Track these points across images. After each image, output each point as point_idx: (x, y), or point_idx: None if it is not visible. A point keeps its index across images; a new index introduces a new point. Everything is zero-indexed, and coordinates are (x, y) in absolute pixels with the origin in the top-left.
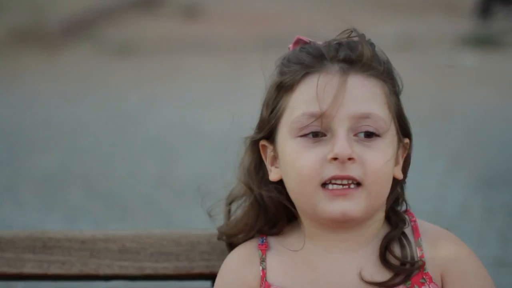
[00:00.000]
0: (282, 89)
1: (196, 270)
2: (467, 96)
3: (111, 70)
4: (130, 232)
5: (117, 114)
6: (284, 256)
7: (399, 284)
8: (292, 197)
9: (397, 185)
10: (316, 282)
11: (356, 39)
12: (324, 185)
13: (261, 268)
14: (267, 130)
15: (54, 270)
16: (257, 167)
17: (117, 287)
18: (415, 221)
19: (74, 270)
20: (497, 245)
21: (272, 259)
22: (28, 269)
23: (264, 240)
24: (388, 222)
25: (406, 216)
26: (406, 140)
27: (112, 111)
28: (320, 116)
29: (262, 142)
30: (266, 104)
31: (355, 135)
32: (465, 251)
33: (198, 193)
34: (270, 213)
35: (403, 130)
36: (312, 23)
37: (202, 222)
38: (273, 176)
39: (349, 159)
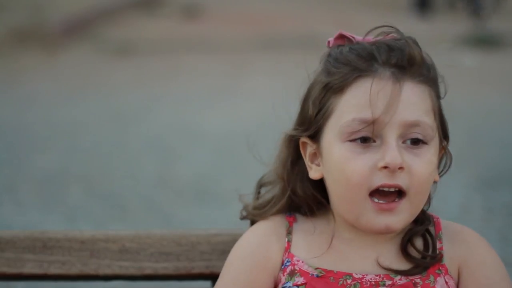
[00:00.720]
0: (330, 90)
1: (196, 270)
2: (467, 96)
3: (111, 70)
4: (130, 232)
5: (117, 114)
6: (309, 234)
7: (416, 274)
8: (335, 200)
9: (434, 186)
10: (337, 264)
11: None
12: (371, 193)
13: (286, 240)
14: (313, 130)
15: (54, 270)
16: (294, 162)
17: (117, 287)
18: (438, 218)
19: (74, 270)
20: (497, 245)
21: (298, 232)
22: (28, 269)
23: (292, 213)
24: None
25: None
26: (444, 143)
27: (112, 111)
28: (372, 123)
29: (303, 139)
30: (312, 103)
31: (403, 142)
32: (485, 245)
33: (198, 193)
34: (301, 203)
35: (444, 133)
36: (311, 23)
37: (202, 222)
38: (314, 174)
39: (399, 168)
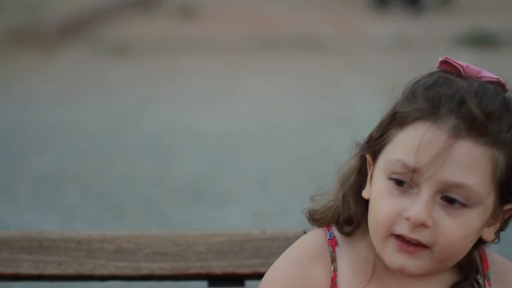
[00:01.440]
0: (394, 120)
1: (192, 271)
2: None
3: (108, 70)
4: (126, 233)
5: (114, 114)
6: (354, 261)
7: None
8: (369, 226)
9: (482, 243)
10: None
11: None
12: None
13: (332, 268)
14: (370, 151)
15: (50, 270)
16: (357, 176)
17: None
18: (484, 253)
19: (70, 270)
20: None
21: (343, 260)
22: (24, 269)
23: (332, 235)
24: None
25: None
26: (509, 206)
27: (109, 111)
28: (412, 171)
29: (367, 156)
30: (379, 124)
31: (441, 198)
32: None
33: (195, 193)
34: (349, 214)
35: (506, 196)
36: (308, 23)
37: (198, 222)
38: (365, 194)
39: (422, 225)
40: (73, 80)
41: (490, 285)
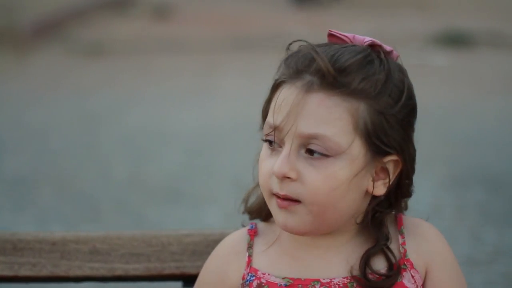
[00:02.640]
0: (271, 88)
1: (167, 271)
2: (437, 95)
3: (82, 71)
4: (100, 233)
5: (88, 115)
6: (269, 243)
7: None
8: None
9: (377, 200)
10: (303, 270)
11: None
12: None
13: (247, 254)
14: (261, 128)
15: (24, 272)
16: None
17: None
18: (400, 214)
19: (45, 272)
20: (468, 244)
21: (259, 245)
22: None
23: (254, 226)
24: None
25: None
26: (391, 158)
27: (83, 112)
28: (274, 128)
29: None
30: (265, 103)
31: (306, 151)
32: (442, 238)
33: (170, 194)
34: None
35: (383, 148)
36: (283, 23)
37: (173, 223)
38: None
39: (286, 177)
40: (47, 81)
41: (403, 237)
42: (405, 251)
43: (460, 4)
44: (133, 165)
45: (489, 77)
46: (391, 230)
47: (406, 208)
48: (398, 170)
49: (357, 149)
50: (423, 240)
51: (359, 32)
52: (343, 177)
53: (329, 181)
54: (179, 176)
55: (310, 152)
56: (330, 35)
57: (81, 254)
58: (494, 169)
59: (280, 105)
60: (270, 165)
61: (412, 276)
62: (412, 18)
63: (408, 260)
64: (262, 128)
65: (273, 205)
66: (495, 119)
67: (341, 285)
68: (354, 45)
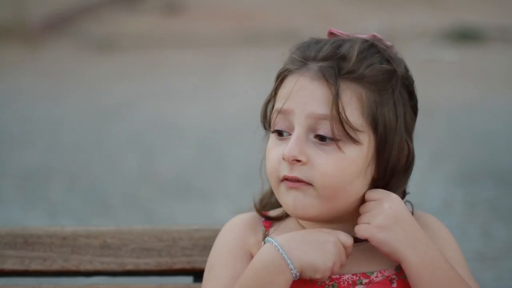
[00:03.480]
0: (276, 80)
1: (178, 266)
2: (447, 91)
3: (92, 66)
4: (111, 228)
5: (98, 110)
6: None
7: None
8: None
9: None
10: None
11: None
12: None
13: (263, 243)
14: (264, 121)
15: (35, 266)
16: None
17: (98, 283)
18: None
19: (55, 266)
20: (479, 240)
21: (273, 235)
22: (9, 265)
23: (268, 219)
24: None
25: None
26: (403, 144)
27: (94, 107)
28: (283, 113)
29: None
30: (268, 95)
31: (315, 136)
32: (446, 229)
33: (180, 189)
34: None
35: (397, 135)
36: (293, 18)
37: (183, 217)
38: None
39: (296, 160)
40: (57, 76)
41: None
42: None
43: (470, 0)
44: (144, 159)
45: (499, 72)
46: None
47: (404, 195)
48: (406, 158)
49: (366, 134)
50: (426, 228)
51: (369, 27)
52: (353, 161)
53: (338, 164)
54: (190, 171)
55: (320, 138)
56: (330, 33)
57: (91, 249)
58: (504, 165)
59: (289, 91)
60: (279, 152)
61: None
62: (422, 13)
63: None
64: (264, 125)
65: (281, 191)
66: (505, 115)
67: (350, 282)
68: (357, 38)
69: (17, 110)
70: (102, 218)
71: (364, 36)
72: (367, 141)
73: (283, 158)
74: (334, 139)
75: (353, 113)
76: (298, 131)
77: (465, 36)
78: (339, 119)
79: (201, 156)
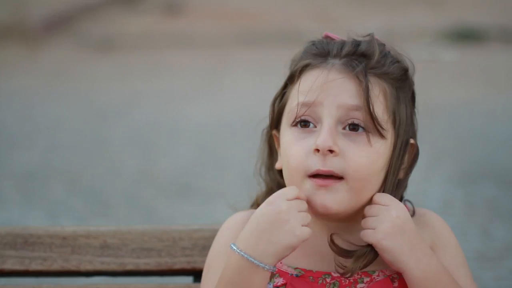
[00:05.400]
0: (288, 81)
1: (178, 266)
2: (447, 91)
3: (93, 66)
4: (111, 228)
5: (98, 110)
6: None
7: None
8: (284, 179)
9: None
10: (315, 262)
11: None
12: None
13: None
14: (275, 125)
15: (35, 266)
16: (269, 155)
17: (98, 283)
18: (405, 204)
19: (56, 266)
20: (479, 240)
21: None
22: (9, 265)
23: None
24: None
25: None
26: (411, 141)
27: (94, 107)
28: (310, 105)
29: (274, 132)
30: (274, 98)
31: (344, 128)
32: (447, 227)
33: (180, 189)
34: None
35: (406, 133)
36: (294, 18)
37: (183, 217)
38: (278, 164)
39: (331, 151)
40: (57, 76)
41: None
42: None
43: (470, 0)
44: (144, 160)
45: (499, 72)
46: None
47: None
48: (412, 156)
49: (389, 129)
50: (428, 225)
51: (370, 27)
52: (381, 152)
53: (369, 154)
54: (189, 171)
55: (353, 127)
56: (327, 37)
57: (91, 249)
58: (504, 165)
59: (313, 85)
60: (306, 145)
61: None
62: (423, 13)
63: None
64: (271, 122)
65: (306, 188)
66: (505, 115)
67: (351, 280)
68: (371, 37)
69: (17, 110)
70: (102, 218)
71: (361, 38)
72: (390, 135)
73: (316, 150)
74: (365, 130)
75: (380, 107)
76: (329, 122)
77: (465, 36)
78: (369, 111)
79: (201, 156)
